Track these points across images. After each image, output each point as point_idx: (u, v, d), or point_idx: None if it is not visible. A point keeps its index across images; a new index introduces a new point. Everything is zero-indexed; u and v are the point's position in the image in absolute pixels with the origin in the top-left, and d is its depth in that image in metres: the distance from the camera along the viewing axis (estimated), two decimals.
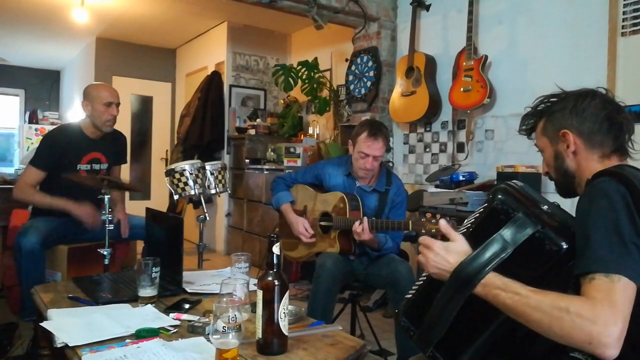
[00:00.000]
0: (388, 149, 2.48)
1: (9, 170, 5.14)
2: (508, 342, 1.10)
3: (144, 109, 7.12)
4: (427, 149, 3.95)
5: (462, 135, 3.63)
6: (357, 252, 2.47)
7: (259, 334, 1.28)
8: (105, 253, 2.40)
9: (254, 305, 1.41)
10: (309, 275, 4.19)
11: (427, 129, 3.95)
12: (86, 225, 2.59)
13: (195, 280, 1.99)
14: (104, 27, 6.06)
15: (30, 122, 7.86)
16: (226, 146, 5.66)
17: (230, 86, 5.75)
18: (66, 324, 1.43)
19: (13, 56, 7.57)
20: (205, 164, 2.74)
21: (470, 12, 3.38)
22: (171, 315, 1.55)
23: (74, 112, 7.43)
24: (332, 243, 2.43)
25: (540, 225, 1.05)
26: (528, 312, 0.96)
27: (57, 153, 2.63)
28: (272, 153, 4.97)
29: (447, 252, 1.12)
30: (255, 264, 4.36)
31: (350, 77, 4.34)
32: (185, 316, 1.55)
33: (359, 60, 4.27)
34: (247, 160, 5.21)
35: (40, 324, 1.48)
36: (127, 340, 1.33)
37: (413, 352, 1.55)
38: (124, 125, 6.10)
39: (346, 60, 4.46)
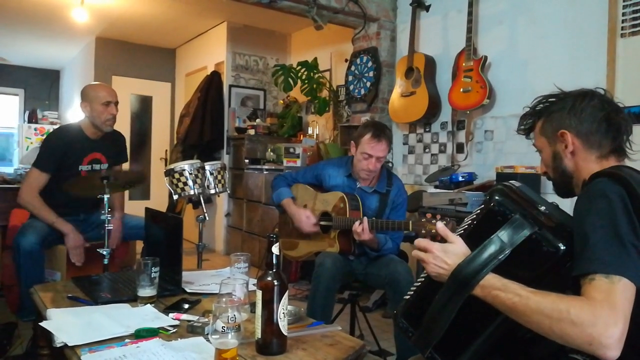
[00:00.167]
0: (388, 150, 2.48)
1: (8, 169, 5.13)
2: (508, 343, 1.10)
3: (143, 109, 7.12)
4: (427, 150, 3.95)
5: (461, 136, 3.63)
6: (357, 252, 2.47)
7: (258, 334, 1.28)
8: (104, 253, 2.40)
9: (253, 305, 1.41)
10: (308, 276, 4.19)
11: (427, 130, 3.95)
12: (70, 254, 2.59)
13: (195, 280, 1.99)
14: (103, 27, 6.06)
15: (30, 121, 7.86)
16: (226, 146, 5.66)
17: (230, 86, 5.75)
18: (65, 324, 1.43)
19: (13, 55, 7.57)
20: (205, 164, 2.74)
21: (470, 13, 3.38)
22: (170, 315, 1.55)
23: (74, 112, 7.42)
24: (332, 243, 2.44)
25: (538, 227, 1.05)
26: (528, 314, 0.96)
27: (59, 154, 2.63)
28: (271, 153, 4.97)
29: (445, 254, 1.12)
30: (255, 264, 4.36)
31: (350, 78, 4.34)
32: (184, 316, 1.55)
33: (358, 60, 4.27)
34: (246, 161, 5.21)
35: (40, 323, 1.48)
36: (127, 340, 1.33)
37: (412, 352, 1.55)
38: (123, 125, 6.11)
39: (346, 60, 4.46)
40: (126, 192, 3.19)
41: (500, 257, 1.04)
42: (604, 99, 1.18)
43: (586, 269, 0.94)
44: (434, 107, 3.71)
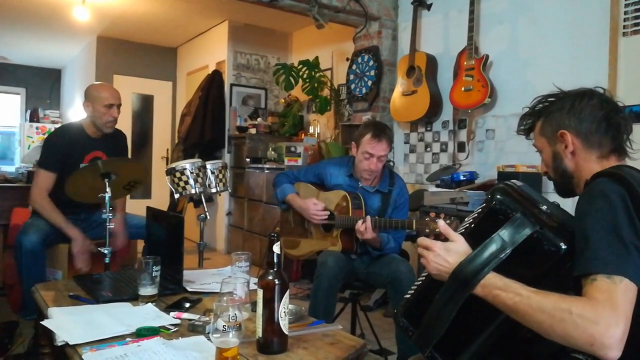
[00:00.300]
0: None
1: (10, 168, 5.14)
2: (509, 343, 1.10)
3: (144, 108, 7.13)
4: (428, 149, 3.95)
5: (462, 135, 3.63)
6: (359, 251, 2.47)
7: (259, 333, 1.28)
8: (105, 252, 2.40)
9: (254, 304, 1.41)
10: (309, 275, 4.19)
11: (428, 129, 3.95)
12: (75, 260, 2.58)
13: (196, 279, 1.99)
14: (105, 26, 6.06)
15: (31, 120, 7.87)
16: (227, 145, 5.67)
17: (231, 85, 5.75)
18: (67, 323, 1.43)
19: (14, 54, 7.58)
20: (206, 163, 2.75)
21: (471, 12, 3.37)
22: (171, 314, 1.55)
23: (75, 111, 7.44)
24: (334, 241, 2.43)
25: (539, 226, 1.05)
26: (529, 313, 0.95)
27: (62, 153, 2.64)
28: (272, 152, 4.97)
29: (446, 253, 1.12)
30: (256, 263, 4.36)
31: (351, 77, 4.34)
32: (185, 315, 1.55)
33: (359, 59, 4.26)
34: (247, 159, 5.21)
35: (41, 322, 1.49)
36: (128, 339, 1.33)
37: (413, 351, 1.55)
38: (124, 124, 6.11)
39: (347, 59, 4.46)
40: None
41: (501, 256, 1.04)
42: (604, 98, 1.18)
43: (587, 269, 0.94)
44: (435, 106, 3.70)
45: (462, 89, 3.38)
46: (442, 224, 1.19)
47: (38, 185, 2.62)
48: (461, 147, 3.64)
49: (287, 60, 5.86)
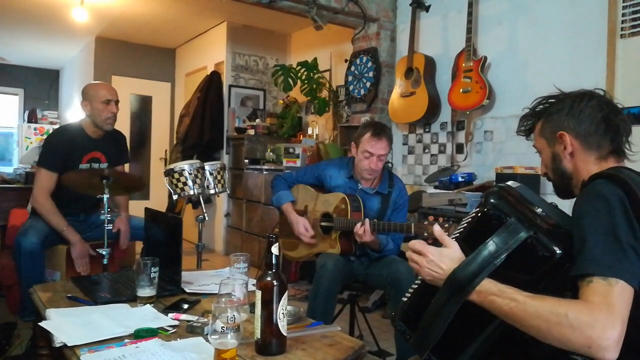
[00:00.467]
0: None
1: (8, 169, 5.13)
2: (507, 345, 1.10)
3: (143, 109, 7.12)
4: (426, 150, 3.95)
5: (461, 136, 3.63)
6: (358, 253, 2.47)
7: (258, 334, 1.28)
8: (104, 253, 2.40)
9: (252, 306, 1.41)
10: (307, 276, 4.19)
11: (426, 130, 3.95)
12: (75, 264, 2.59)
13: (194, 280, 1.99)
14: (103, 27, 6.06)
15: (30, 121, 7.86)
16: (225, 146, 5.67)
17: (230, 86, 5.75)
18: (65, 324, 1.43)
19: (12, 55, 7.57)
20: (205, 164, 2.74)
21: (469, 13, 3.38)
22: (170, 315, 1.55)
23: (73, 112, 7.42)
24: (333, 244, 2.43)
25: (533, 231, 1.04)
26: (526, 318, 0.95)
27: (62, 153, 2.64)
28: (271, 153, 4.97)
29: (440, 259, 1.11)
30: (254, 264, 4.36)
31: (350, 78, 4.34)
32: (184, 316, 1.55)
33: (358, 60, 4.27)
34: (246, 161, 5.21)
35: (39, 323, 1.48)
36: (126, 340, 1.33)
37: (412, 353, 1.55)
38: (123, 124, 6.10)
39: (345, 60, 4.46)
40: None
41: (495, 263, 1.04)
42: (603, 99, 1.18)
43: (584, 270, 0.94)
44: (433, 107, 3.71)
45: (461, 90, 3.38)
46: (437, 230, 1.18)
47: (40, 186, 2.61)
48: (459, 148, 3.65)
49: (286, 62, 5.86)
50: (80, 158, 2.70)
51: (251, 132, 5.30)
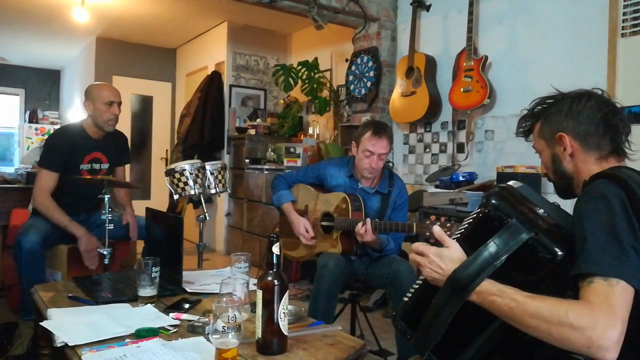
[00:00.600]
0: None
1: (9, 169, 5.14)
2: (508, 345, 1.09)
3: (144, 109, 7.13)
4: (427, 149, 3.95)
5: (462, 136, 3.63)
6: (359, 253, 2.47)
7: (259, 334, 1.28)
8: (105, 253, 2.40)
9: (253, 305, 1.41)
10: (308, 275, 4.19)
11: (427, 129, 3.95)
12: (83, 258, 2.58)
13: (195, 280, 1.99)
14: (104, 27, 6.06)
15: (31, 121, 7.87)
16: (226, 146, 5.67)
17: (231, 86, 5.75)
18: (66, 324, 1.43)
19: (13, 55, 7.58)
20: (205, 163, 2.75)
21: (470, 13, 3.38)
22: (171, 315, 1.55)
23: (74, 112, 7.43)
24: (334, 243, 2.43)
25: (534, 232, 1.04)
26: (526, 319, 0.95)
27: (63, 153, 2.64)
28: (272, 153, 4.97)
29: (440, 259, 1.11)
30: (255, 263, 4.36)
31: (351, 77, 4.34)
32: (185, 316, 1.55)
33: (359, 60, 4.27)
34: (247, 160, 5.21)
35: (40, 323, 1.48)
36: (127, 340, 1.33)
37: (413, 352, 1.55)
38: (124, 125, 6.10)
39: (346, 60, 4.46)
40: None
41: (496, 264, 1.03)
42: (602, 99, 1.18)
43: (584, 270, 0.94)
44: (434, 106, 3.70)
45: (461, 89, 3.38)
46: (437, 230, 1.18)
47: (40, 186, 2.62)
48: (460, 147, 3.65)
49: (287, 61, 5.86)
50: (82, 158, 2.71)
51: (252, 131, 5.30)
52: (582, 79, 2.82)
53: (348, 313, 2.68)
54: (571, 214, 1.09)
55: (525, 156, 3.13)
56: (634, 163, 1.18)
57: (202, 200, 2.71)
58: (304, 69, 4.76)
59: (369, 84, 4.17)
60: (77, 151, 2.69)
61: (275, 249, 1.30)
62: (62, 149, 2.64)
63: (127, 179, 3.52)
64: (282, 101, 5.79)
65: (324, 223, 2.51)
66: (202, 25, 6.02)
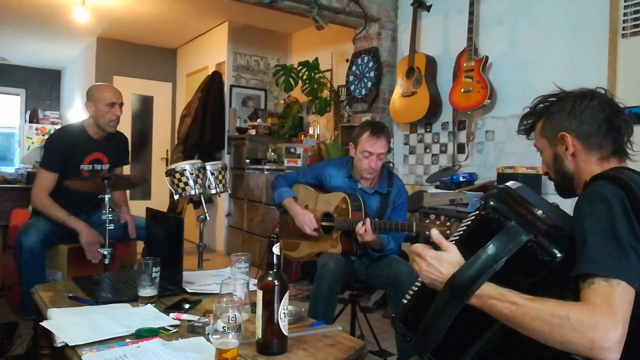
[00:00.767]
0: (389, 150, 2.48)
1: (9, 169, 5.14)
2: (509, 347, 1.09)
3: (144, 109, 7.13)
4: (428, 150, 3.95)
5: (462, 136, 3.63)
6: (359, 253, 2.47)
7: (259, 334, 1.28)
8: (105, 253, 2.40)
9: (253, 306, 1.41)
10: (308, 276, 4.19)
11: (428, 130, 3.95)
12: (86, 252, 2.57)
13: (195, 280, 1.99)
14: (104, 27, 6.06)
15: (31, 121, 7.87)
16: (226, 146, 5.67)
17: (231, 86, 5.75)
18: (66, 324, 1.43)
19: (14, 55, 7.58)
20: (206, 164, 2.75)
21: (471, 13, 3.38)
22: (171, 315, 1.55)
23: (75, 112, 7.43)
24: (334, 244, 2.43)
25: (533, 234, 1.03)
26: (527, 321, 0.95)
27: (64, 153, 2.64)
28: (272, 153, 4.97)
29: (439, 262, 1.10)
30: (255, 264, 4.36)
31: (351, 78, 4.34)
32: (185, 316, 1.55)
33: (359, 60, 4.27)
34: (247, 161, 5.21)
35: (40, 323, 1.48)
36: (127, 340, 1.33)
37: (413, 353, 1.55)
38: (124, 125, 6.07)
39: (347, 60, 4.46)
40: (127, 192, 3.20)
41: (495, 267, 1.03)
42: (604, 99, 1.17)
43: (585, 271, 0.94)
44: (434, 107, 3.70)
45: (462, 90, 3.38)
46: (435, 234, 1.17)
47: (38, 185, 2.62)
48: (461, 148, 3.64)
49: (287, 62, 5.87)
50: (82, 159, 2.71)
51: (252, 132, 5.30)
52: (582, 79, 2.81)
53: (348, 313, 2.67)
54: (571, 214, 1.08)
55: (525, 157, 3.13)
56: (635, 164, 1.18)
57: (203, 201, 2.71)
58: (305, 69, 4.76)
59: (369, 84, 4.17)
60: (78, 151, 2.69)
61: (276, 249, 1.30)
62: (62, 149, 2.64)
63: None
64: (282, 101, 5.79)
65: (324, 223, 2.50)
66: (203, 26, 6.02)
